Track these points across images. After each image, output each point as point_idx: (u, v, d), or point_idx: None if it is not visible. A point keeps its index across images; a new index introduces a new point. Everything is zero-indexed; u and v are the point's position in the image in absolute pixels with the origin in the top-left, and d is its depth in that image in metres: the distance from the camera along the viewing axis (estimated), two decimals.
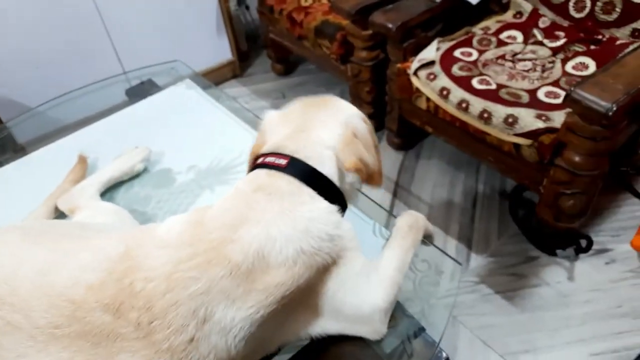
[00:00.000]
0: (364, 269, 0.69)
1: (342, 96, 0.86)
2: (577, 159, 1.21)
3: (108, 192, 1.02)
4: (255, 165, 0.71)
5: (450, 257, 0.83)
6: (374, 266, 0.71)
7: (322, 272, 0.64)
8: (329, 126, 0.72)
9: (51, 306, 0.57)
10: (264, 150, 0.72)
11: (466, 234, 1.63)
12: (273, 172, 0.67)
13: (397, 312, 0.76)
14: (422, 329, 0.76)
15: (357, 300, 0.67)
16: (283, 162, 0.68)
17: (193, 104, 1.28)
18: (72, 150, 1.09)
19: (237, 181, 0.70)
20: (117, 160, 1.06)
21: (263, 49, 2.67)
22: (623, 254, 1.52)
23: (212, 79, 2.39)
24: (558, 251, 1.52)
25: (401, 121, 1.78)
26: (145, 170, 1.07)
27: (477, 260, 1.54)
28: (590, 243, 1.49)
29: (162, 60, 1.54)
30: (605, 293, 1.43)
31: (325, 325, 0.67)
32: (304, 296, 0.63)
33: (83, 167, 1.05)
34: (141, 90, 1.40)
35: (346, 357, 0.73)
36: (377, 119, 1.97)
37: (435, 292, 0.80)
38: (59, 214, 0.96)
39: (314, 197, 0.66)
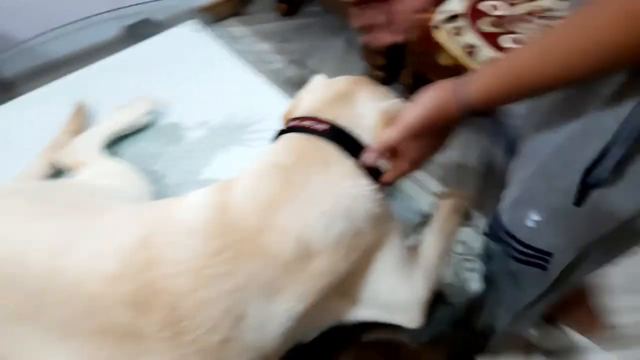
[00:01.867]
0: (405, 254, 0.64)
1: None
2: None
3: (112, 146, 0.92)
4: (286, 128, 0.63)
5: (490, 242, 0.77)
6: (416, 252, 0.66)
7: (365, 255, 0.59)
8: (372, 101, 0.64)
9: (66, 297, 0.50)
10: (299, 113, 0.64)
11: (480, 199, 1.58)
12: (311, 138, 0.59)
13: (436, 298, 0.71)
14: (460, 318, 0.71)
15: (397, 287, 0.62)
16: (323, 127, 0.60)
17: (201, 49, 1.16)
18: (66, 95, 0.97)
19: (263, 147, 0.63)
20: (119, 111, 0.95)
21: None
22: None
23: (210, 16, 2.21)
24: None
25: (417, 76, 1.68)
26: (151, 123, 0.97)
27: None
28: None
29: None
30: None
31: (360, 312, 0.63)
32: (344, 282, 0.58)
33: (82, 117, 0.94)
34: (140, 30, 1.26)
35: (381, 341, 0.69)
36: (390, 71, 1.86)
37: (474, 276, 0.75)
38: (56, 171, 0.86)
39: (356, 172, 0.59)
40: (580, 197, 0.57)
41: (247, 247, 0.52)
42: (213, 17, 2.24)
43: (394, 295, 0.62)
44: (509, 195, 0.68)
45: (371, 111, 0.62)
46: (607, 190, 0.55)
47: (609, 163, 0.53)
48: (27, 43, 1.32)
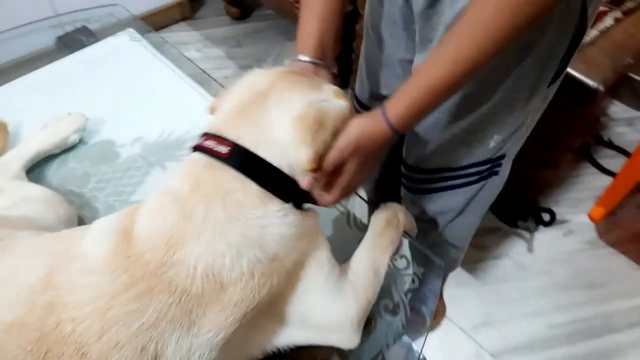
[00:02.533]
0: (333, 270, 0.61)
1: None
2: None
3: (36, 167, 0.87)
4: (194, 146, 0.59)
5: (432, 256, 0.76)
6: (346, 268, 0.64)
7: (285, 277, 0.56)
8: (284, 105, 0.57)
9: None
10: (209, 127, 0.60)
11: None
12: (213, 163, 0.55)
13: (374, 315, 0.70)
14: (400, 335, 0.70)
15: (327, 305, 0.60)
16: (224, 149, 0.55)
17: (137, 60, 1.11)
18: None
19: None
20: (45, 129, 0.89)
21: None
22: (581, 226, 1.54)
23: (158, 21, 2.14)
24: (519, 222, 1.51)
25: None
26: (81, 142, 0.92)
27: None
28: (553, 217, 1.50)
29: (99, 3, 1.32)
30: (562, 264, 1.45)
31: (292, 334, 0.60)
32: (269, 305, 0.55)
33: (3, 137, 0.88)
34: (74, 40, 1.20)
35: None
36: (342, 77, 1.85)
37: (416, 292, 0.74)
38: None
39: (263, 197, 0.54)
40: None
41: (153, 282, 0.48)
42: (160, 22, 2.18)
43: (324, 315, 0.60)
44: (457, 144, 0.81)
45: (282, 120, 0.56)
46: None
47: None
48: None
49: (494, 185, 0.89)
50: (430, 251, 1.02)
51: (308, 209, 0.61)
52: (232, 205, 0.52)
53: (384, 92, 0.95)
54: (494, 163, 0.84)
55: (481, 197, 0.91)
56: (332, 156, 0.59)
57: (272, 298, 0.55)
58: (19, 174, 0.81)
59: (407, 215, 0.75)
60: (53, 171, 0.87)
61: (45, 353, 0.45)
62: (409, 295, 0.73)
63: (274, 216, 0.54)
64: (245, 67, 2.06)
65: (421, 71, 0.59)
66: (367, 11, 0.88)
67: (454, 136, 0.80)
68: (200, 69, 1.11)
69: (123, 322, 0.46)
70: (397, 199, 0.95)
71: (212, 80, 1.12)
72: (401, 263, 0.76)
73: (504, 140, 0.80)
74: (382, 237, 0.68)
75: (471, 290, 1.38)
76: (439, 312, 1.33)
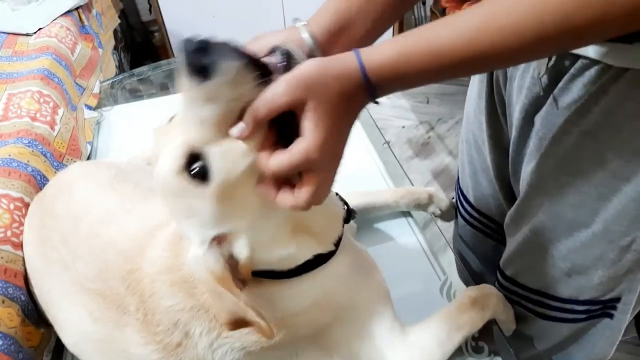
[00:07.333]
0: (385, 322, 0.61)
1: None
2: None
3: None
4: None
5: (511, 351, 0.71)
6: (411, 329, 0.63)
7: (315, 326, 0.58)
8: None
9: (90, 259, 0.61)
10: None
11: None
12: None
13: None
14: None
15: (374, 357, 0.60)
16: None
17: None
18: None
19: None
20: None
21: None
22: None
23: None
24: None
25: None
26: None
27: None
28: None
29: None
30: None
31: None
32: (310, 337, 0.59)
33: None
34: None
35: None
36: None
37: None
38: None
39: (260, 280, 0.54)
40: None
41: (186, 283, 0.55)
42: None
43: None
44: (555, 269, 0.67)
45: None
46: None
47: None
48: None
49: (609, 330, 0.72)
50: None
51: (331, 262, 0.57)
52: None
53: (486, 192, 0.85)
54: (606, 305, 0.69)
55: (592, 339, 0.74)
56: (272, 98, 0.41)
57: (312, 333, 0.58)
58: None
59: (504, 304, 0.72)
60: None
61: (128, 286, 0.57)
62: None
63: (275, 290, 0.55)
64: (425, 122, 2.13)
65: (432, 27, 0.42)
66: (464, 120, 0.84)
67: (551, 259, 0.68)
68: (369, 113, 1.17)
69: (160, 295, 0.56)
70: None
71: (375, 126, 1.16)
72: (477, 349, 0.72)
73: (614, 279, 0.64)
74: (461, 314, 0.65)
75: None
76: None
